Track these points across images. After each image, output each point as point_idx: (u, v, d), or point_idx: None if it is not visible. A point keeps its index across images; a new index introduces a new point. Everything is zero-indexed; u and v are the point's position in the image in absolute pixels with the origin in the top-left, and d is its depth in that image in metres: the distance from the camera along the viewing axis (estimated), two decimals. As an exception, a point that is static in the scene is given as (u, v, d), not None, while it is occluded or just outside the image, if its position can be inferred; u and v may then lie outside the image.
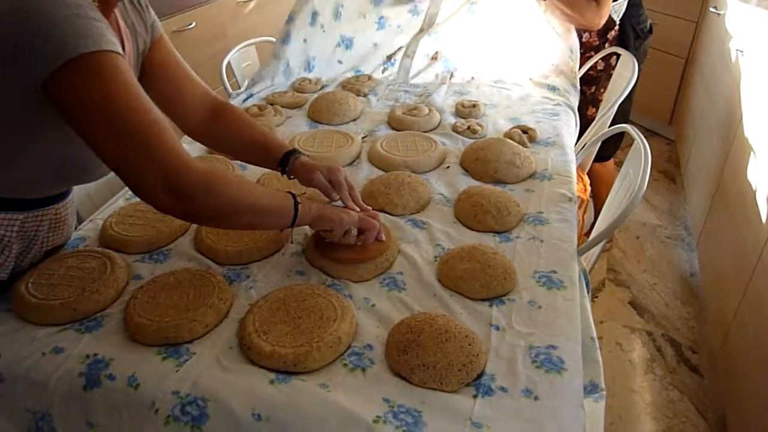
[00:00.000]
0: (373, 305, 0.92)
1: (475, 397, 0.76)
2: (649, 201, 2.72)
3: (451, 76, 1.88)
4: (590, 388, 0.88)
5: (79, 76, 0.74)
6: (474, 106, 1.62)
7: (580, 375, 0.81)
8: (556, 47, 1.86)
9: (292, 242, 1.06)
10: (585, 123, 1.94)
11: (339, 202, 1.07)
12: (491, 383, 0.78)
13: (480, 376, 0.79)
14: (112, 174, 0.84)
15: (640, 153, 1.21)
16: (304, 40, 1.92)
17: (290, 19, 1.91)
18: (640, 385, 1.77)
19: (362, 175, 1.31)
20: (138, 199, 0.96)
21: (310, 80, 1.86)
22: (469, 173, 1.31)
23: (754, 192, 1.60)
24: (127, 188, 0.98)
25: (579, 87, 1.80)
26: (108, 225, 1.11)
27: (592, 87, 2.02)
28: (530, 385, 0.78)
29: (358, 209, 1.04)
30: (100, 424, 0.79)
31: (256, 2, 3.06)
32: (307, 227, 1.05)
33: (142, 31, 0.99)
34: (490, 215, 1.10)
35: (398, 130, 1.53)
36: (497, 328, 0.87)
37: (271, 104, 1.67)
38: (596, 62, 1.97)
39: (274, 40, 2.14)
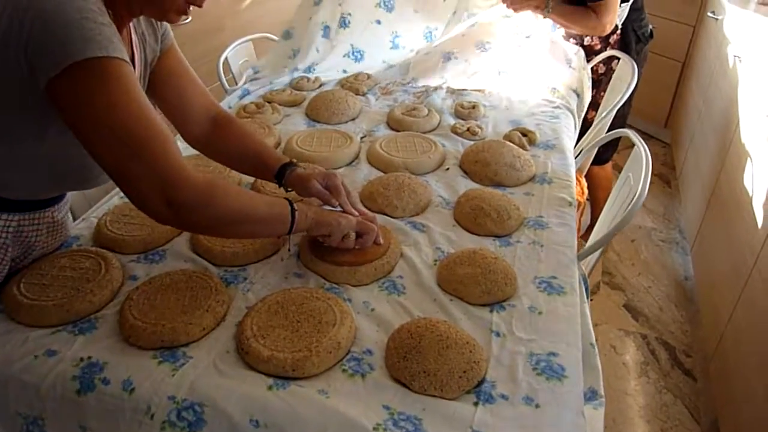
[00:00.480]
0: (373, 309, 0.91)
1: (476, 404, 0.75)
2: (644, 204, 2.71)
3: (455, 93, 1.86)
4: (589, 395, 0.87)
5: (84, 81, 0.72)
6: (474, 107, 1.61)
7: (581, 382, 0.80)
8: (556, 56, 1.88)
9: (290, 250, 1.04)
10: (584, 126, 1.94)
11: (338, 208, 1.06)
12: (492, 390, 0.77)
13: (481, 383, 0.78)
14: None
15: (640, 158, 1.21)
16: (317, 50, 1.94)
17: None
18: (634, 389, 1.77)
19: (361, 175, 1.30)
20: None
21: (308, 78, 1.84)
22: (468, 175, 1.30)
23: (751, 198, 1.61)
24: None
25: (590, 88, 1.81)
26: (102, 224, 1.09)
27: (593, 90, 2.01)
28: (531, 393, 0.77)
29: (356, 213, 1.03)
30: (94, 429, 0.77)
31: (253, -3, 3.03)
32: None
33: (152, 41, 0.98)
34: (490, 219, 1.09)
35: (397, 131, 1.52)
36: (498, 335, 0.86)
37: (269, 102, 1.66)
38: (597, 66, 1.97)
39: (272, 36, 2.12)
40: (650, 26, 2.04)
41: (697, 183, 2.32)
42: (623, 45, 1.98)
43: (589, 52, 2.00)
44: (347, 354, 0.83)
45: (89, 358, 0.81)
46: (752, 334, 1.43)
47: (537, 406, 0.75)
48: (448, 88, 1.79)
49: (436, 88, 1.79)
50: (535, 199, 1.21)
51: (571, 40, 2.04)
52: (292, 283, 0.97)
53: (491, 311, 0.91)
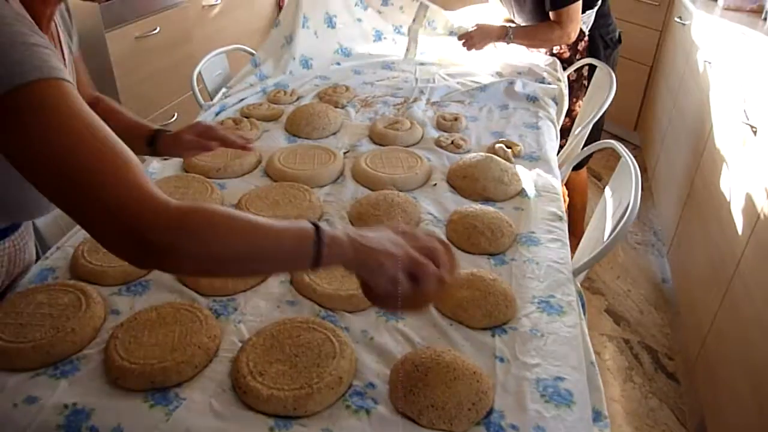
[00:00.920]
0: (372, 338, 0.88)
1: (485, 437, 0.73)
2: (619, 207, 2.76)
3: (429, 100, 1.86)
4: (594, 416, 0.86)
5: (14, 111, 0.61)
6: (456, 119, 1.60)
7: (589, 407, 0.79)
8: (532, 65, 1.92)
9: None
10: (560, 134, 1.95)
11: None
12: (501, 421, 0.75)
13: (489, 413, 0.76)
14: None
15: (626, 170, 1.21)
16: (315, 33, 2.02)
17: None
18: (621, 395, 1.79)
19: (348, 193, 1.27)
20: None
21: (285, 91, 1.80)
22: (456, 191, 1.28)
23: (729, 202, 1.64)
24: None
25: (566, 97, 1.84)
26: (79, 254, 1.03)
27: None
28: (540, 421, 0.75)
29: (242, 143, 1.06)
30: (83, 482, 0.72)
31: (221, 7, 2.97)
32: None
33: (69, 42, 0.96)
34: (484, 237, 1.07)
35: (380, 145, 1.49)
36: (502, 360, 0.85)
37: (246, 117, 1.61)
38: (570, 74, 1.99)
39: (246, 48, 2.08)
40: (618, 31, 2.07)
41: (671, 185, 2.36)
42: (592, 51, 2.01)
43: (559, 60, 2.02)
44: (349, 388, 0.80)
45: (74, 404, 0.75)
46: (737, 337, 1.45)
47: (547, 435, 0.74)
48: (427, 100, 1.78)
49: (415, 99, 1.77)
50: (525, 214, 1.20)
51: (541, 50, 2.06)
52: (285, 312, 0.94)
53: (493, 335, 0.89)
